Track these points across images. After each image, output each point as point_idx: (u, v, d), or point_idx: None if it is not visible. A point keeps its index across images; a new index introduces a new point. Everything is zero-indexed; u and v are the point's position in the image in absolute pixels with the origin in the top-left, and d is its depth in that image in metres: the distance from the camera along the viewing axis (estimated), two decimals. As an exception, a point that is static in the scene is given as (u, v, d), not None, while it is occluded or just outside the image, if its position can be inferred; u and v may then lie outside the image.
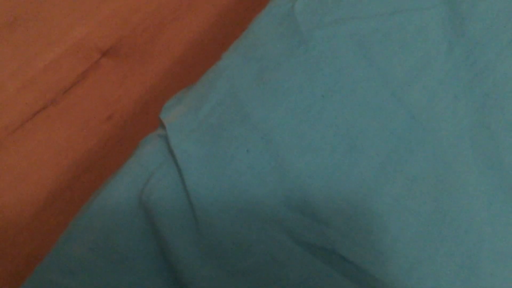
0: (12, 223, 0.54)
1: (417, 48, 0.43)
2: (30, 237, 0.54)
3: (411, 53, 0.43)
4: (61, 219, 0.54)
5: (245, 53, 0.44)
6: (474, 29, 0.44)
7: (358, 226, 0.38)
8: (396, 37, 0.43)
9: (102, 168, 0.58)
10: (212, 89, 0.43)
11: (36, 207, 0.55)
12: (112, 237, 0.38)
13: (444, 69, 0.43)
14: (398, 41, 0.43)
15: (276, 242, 0.37)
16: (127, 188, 0.39)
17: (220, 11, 0.70)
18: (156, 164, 0.40)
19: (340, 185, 0.39)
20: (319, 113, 0.41)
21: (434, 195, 0.39)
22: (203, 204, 0.38)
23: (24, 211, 0.55)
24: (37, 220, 0.55)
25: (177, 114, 0.42)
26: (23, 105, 0.60)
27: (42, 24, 0.64)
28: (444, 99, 0.42)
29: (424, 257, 0.37)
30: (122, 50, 0.65)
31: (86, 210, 0.39)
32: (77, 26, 0.65)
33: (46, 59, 0.63)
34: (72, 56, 0.63)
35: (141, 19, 0.67)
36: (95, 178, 0.57)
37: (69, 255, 0.37)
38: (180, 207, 0.38)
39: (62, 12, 0.66)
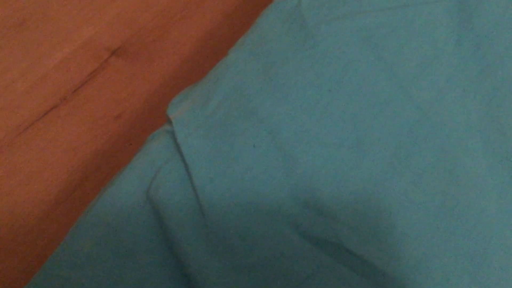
0: (23, 221, 0.54)
1: (425, 42, 0.43)
2: (40, 235, 0.54)
3: (419, 47, 0.43)
4: (71, 217, 0.55)
5: (252, 48, 0.44)
6: (483, 23, 0.43)
7: (365, 221, 0.38)
8: (404, 31, 0.43)
9: (111, 167, 0.59)
10: (219, 84, 0.43)
11: (47, 206, 0.55)
12: (120, 231, 0.38)
13: (453, 63, 0.42)
14: (405, 35, 0.43)
15: (283, 237, 0.37)
16: (134, 183, 0.40)
17: (228, 10, 0.70)
18: (163, 160, 0.40)
19: (347, 179, 0.39)
20: (326, 107, 0.40)
21: (442, 189, 0.39)
22: (210, 198, 0.38)
23: (35, 209, 0.55)
24: (47, 218, 0.55)
25: (184, 109, 0.42)
26: (33, 104, 0.60)
27: (51, 24, 0.65)
28: (453, 93, 0.41)
29: (432, 251, 0.37)
30: (130, 49, 0.65)
31: (94, 206, 0.39)
32: (86, 26, 0.66)
33: (56, 59, 0.63)
34: (81, 56, 0.64)
35: (149, 19, 0.68)
36: (105, 177, 0.57)
37: (77, 249, 0.38)
38: (187, 201, 0.38)
39: (71, 12, 0.66)
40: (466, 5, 0.44)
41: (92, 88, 0.62)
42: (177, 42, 0.67)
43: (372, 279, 0.36)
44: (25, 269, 0.52)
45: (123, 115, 0.62)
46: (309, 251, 0.37)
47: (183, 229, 0.37)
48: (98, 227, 0.38)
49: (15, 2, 0.65)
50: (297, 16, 0.45)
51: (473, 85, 0.42)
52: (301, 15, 0.45)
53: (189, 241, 0.37)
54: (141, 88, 0.63)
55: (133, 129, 0.61)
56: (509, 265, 0.37)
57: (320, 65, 0.42)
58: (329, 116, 0.40)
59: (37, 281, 0.37)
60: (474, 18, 0.44)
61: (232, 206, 0.38)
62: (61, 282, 0.36)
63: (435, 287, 0.36)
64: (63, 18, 0.66)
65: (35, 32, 0.64)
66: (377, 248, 0.37)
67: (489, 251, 0.37)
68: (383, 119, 0.40)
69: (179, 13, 0.69)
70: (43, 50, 0.63)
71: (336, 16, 0.44)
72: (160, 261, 0.37)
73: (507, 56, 0.42)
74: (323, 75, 0.41)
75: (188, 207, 0.38)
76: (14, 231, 0.54)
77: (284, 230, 0.37)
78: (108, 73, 0.64)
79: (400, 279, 0.36)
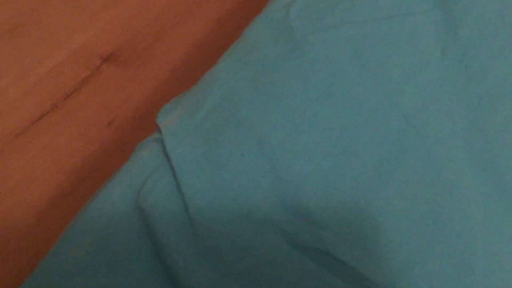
0: (14, 228, 0.54)
1: (410, 52, 0.43)
2: (32, 243, 0.54)
3: (405, 57, 0.43)
4: (63, 224, 0.54)
5: (241, 57, 0.45)
6: (467, 33, 0.44)
7: (352, 228, 0.38)
8: (390, 42, 0.44)
9: (103, 174, 0.59)
10: (208, 93, 0.43)
11: (38, 213, 0.55)
12: (109, 240, 0.38)
13: (438, 73, 0.43)
14: (392, 45, 0.44)
15: (270, 244, 0.37)
16: (123, 191, 0.40)
17: (220, 17, 0.70)
18: (152, 168, 0.40)
19: (334, 188, 0.39)
20: (313, 117, 0.41)
21: (427, 197, 0.39)
22: (198, 207, 0.38)
23: (26, 216, 0.55)
24: (39, 225, 0.55)
25: (173, 118, 0.43)
26: (24, 111, 0.60)
27: (43, 31, 0.65)
28: (438, 103, 0.42)
29: (417, 258, 0.37)
30: (122, 57, 0.66)
31: (83, 214, 0.40)
32: (78, 33, 0.66)
33: (47, 66, 0.63)
34: (73, 63, 0.64)
35: (141, 26, 0.68)
36: (97, 184, 0.57)
37: (66, 258, 0.38)
38: (176, 210, 0.38)
39: (63, 18, 0.66)
40: (451, 16, 0.45)
41: (84, 95, 0.63)
42: (169, 49, 0.67)
43: (358, 285, 0.37)
44: (16, 276, 0.52)
45: (115, 121, 0.62)
46: (297, 259, 0.37)
47: (172, 237, 0.38)
48: (87, 235, 0.38)
49: (7, 9, 0.65)
50: (285, 26, 0.45)
51: (458, 95, 0.42)
52: (289, 25, 0.45)
53: (178, 249, 0.37)
54: (133, 95, 0.64)
55: (125, 135, 0.61)
56: (494, 273, 0.38)
57: (308, 74, 0.42)
58: (317, 125, 0.41)
59: (26, 289, 0.37)
60: (459, 29, 0.44)
61: (221, 214, 0.38)
62: (50, 290, 0.37)
63: (419, 293, 0.37)
64: (55, 25, 0.66)
65: (27, 39, 0.64)
66: (363, 255, 0.37)
67: (473, 259, 0.38)
68: (370, 128, 0.41)
69: (171, 21, 0.69)
70: (36, 57, 0.64)
71: (323, 27, 0.44)
72: (150, 269, 0.38)
73: (490, 67, 0.43)
74: (311, 84, 0.42)
75: (177, 215, 0.38)
76: (5, 238, 0.54)
77: (272, 237, 0.38)
78: (100, 80, 0.64)
79: (385, 285, 0.36)
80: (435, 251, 0.38)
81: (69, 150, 0.59)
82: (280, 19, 0.46)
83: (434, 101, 0.42)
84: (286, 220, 0.38)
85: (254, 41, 0.46)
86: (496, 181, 0.40)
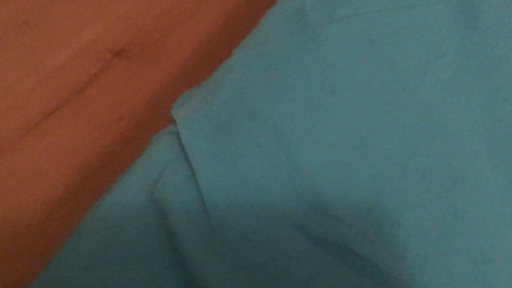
0: (25, 223, 0.54)
1: (428, 43, 0.43)
2: (42, 237, 0.54)
3: (422, 47, 0.43)
4: (74, 219, 0.54)
5: (255, 49, 0.44)
6: (486, 22, 0.43)
7: (370, 221, 0.37)
8: (407, 32, 0.43)
9: (114, 168, 0.58)
10: (222, 85, 0.43)
11: (49, 207, 0.55)
12: (124, 233, 0.38)
13: (456, 63, 0.42)
14: (409, 35, 0.43)
15: (287, 237, 0.37)
16: (138, 184, 0.40)
17: (230, 10, 0.70)
18: (167, 160, 0.40)
19: (351, 180, 0.39)
20: (329, 108, 0.40)
21: (445, 190, 0.38)
22: (214, 199, 0.38)
23: (37, 211, 0.55)
24: (50, 220, 0.55)
25: (188, 110, 0.42)
26: (35, 106, 0.60)
27: (54, 26, 0.65)
28: (456, 93, 0.41)
29: (436, 252, 0.37)
30: (133, 51, 0.66)
31: (98, 207, 0.39)
32: (88, 28, 0.66)
33: (58, 61, 0.63)
34: (83, 57, 0.64)
35: (151, 20, 0.68)
36: (106, 179, 0.57)
37: (81, 251, 0.37)
38: (192, 202, 0.38)
39: (74, 13, 0.66)
40: (469, 5, 0.44)
41: (95, 89, 0.62)
42: (179, 44, 0.67)
43: (376, 279, 0.36)
44: (27, 270, 0.52)
45: (126, 116, 0.62)
46: (313, 252, 0.37)
47: (188, 230, 0.37)
48: (102, 228, 0.38)
49: (17, 4, 0.65)
50: (301, 16, 0.45)
51: (477, 86, 0.42)
52: (304, 15, 0.45)
53: (193, 242, 0.37)
54: (144, 89, 0.63)
55: (136, 130, 0.61)
56: (513, 266, 0.37)
57: (324, 66, 0.42)
58: (333, 116, 0.40)
59: (41, 282, 0.37)
60: (477, 18, 0.44)
61: (237, 206, 0.38)
62: (65, 284, 0.36)
63: (439, 287, 0.36)
64: (65, 20, 0.66)
65: (38, 33, 0.64)
66: (381, 248, 0.37)
67: (493, 251, 0.37)
68: (387, 120, 0.40)
69: (181, 15, 0.69)
70: (46, 51, 0.63)
71: (339, 17, 0.44)
72: (165, 262, 0.37)
73: (510, 56, 0.42)
74: (327, 76, 0.41)
75: (193, 207, 0.38)
76: (17, 232, 0.54)
77: (288, 230, 0.37)
78: (111, 74, 0.64)
79: (404, 279, 0.36)
80: (455, 245, 0.37)
81: (80, 146, 0.59)
82: (295, 9, 0.45)
83: (452, 92, 0.41)
84: (303, 213, 0.38)
85: (268, 32, 0.45)
86: (515, 173, 0.40)
